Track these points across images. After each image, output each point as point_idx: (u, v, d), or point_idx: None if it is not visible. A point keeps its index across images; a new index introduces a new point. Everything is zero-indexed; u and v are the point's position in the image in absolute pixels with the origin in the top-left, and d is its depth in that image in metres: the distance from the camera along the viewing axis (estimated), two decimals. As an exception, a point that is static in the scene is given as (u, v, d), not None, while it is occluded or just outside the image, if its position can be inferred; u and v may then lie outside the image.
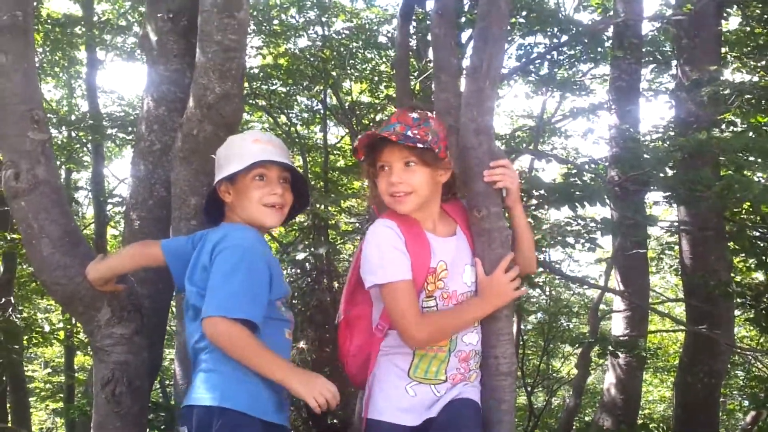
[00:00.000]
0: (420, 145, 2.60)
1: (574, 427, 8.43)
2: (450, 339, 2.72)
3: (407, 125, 2.66)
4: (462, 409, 2.70)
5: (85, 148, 10.78)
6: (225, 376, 2.57)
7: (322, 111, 9.79)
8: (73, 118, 9.99)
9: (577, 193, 4.53)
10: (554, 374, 13.70)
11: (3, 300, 9.65)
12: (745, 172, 5.22)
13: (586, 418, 11.81)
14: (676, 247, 9.00)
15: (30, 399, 12.51)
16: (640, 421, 7.88)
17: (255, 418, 2.56)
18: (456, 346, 2.74)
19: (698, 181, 4.69)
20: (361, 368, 2.86)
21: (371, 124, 9.28)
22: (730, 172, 5.56)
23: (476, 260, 2.78)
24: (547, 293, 12.30)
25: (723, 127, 6.10)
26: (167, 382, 10.22)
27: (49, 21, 10.27)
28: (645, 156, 5.15)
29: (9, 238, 9.01)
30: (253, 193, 2.79)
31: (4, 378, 10.61)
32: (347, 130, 9.87)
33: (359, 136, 2.79)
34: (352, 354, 2.89)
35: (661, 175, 5.01)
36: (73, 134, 10.19)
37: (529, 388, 11.27)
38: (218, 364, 2.61)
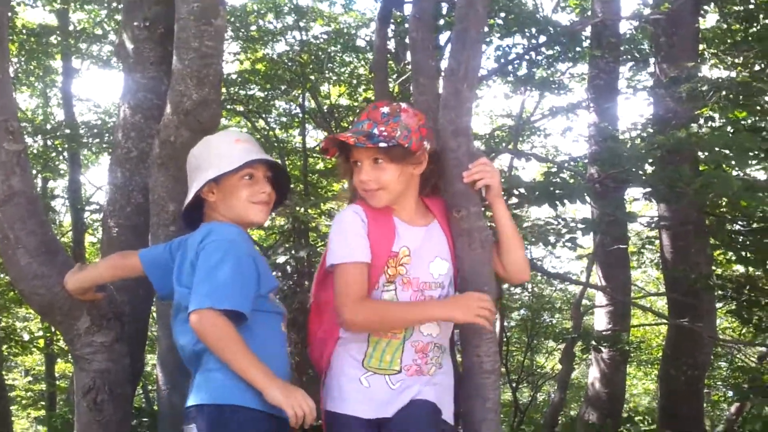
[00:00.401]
0: (383, 144, 2.61)
1: (559, 422, 8.46)
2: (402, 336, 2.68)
3: (375, 122, 2.67)
4: (415, 410, 2.65)
5: (61, 157, 10.72)
6: (232, 373, 2.53)
7: (300, 115, 9.79)
8: (48, 126, 9.96)
9: (558, 191, 4.55)
10: (538, 370, 13.77)
11: (-19, 310, 9.59)
12: (724, 168, 5.24)
13: (572, 413, 11.88)
14: (657, 242, 9.04)
15: (11, 407, 12.40)
16: (625, 415, 7.90)
17: (265, 413, 2.54)
18: (411, 334, 2.69)
19: (677, 178, 4.71)
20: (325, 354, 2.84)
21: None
22: (708, 167, 5.59)
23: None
24: (530, 290, 12.33)
25: (701, 122, 6.13)
26: (149, 387, 10.18)
27: (24, 31, 10.21)
28: (624, 153, 5.17)
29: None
30: (241, 192, 2.78)
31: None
32: (326, 133, 9.85)
33: (323, 138, 2.82)
34: (319, 338, 2.85)
35: (641, 172, 5.03)
36: (49, 143, 10.15)
37: (513, 384, 11.31)
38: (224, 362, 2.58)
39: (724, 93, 5.77)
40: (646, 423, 7.48)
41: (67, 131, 9.39)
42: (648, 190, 5.18)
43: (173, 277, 2.75)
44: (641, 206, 11.37)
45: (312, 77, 8.92)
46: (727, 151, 4.91)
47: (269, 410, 2.53)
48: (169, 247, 2.92)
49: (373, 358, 2.69)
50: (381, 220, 2.71)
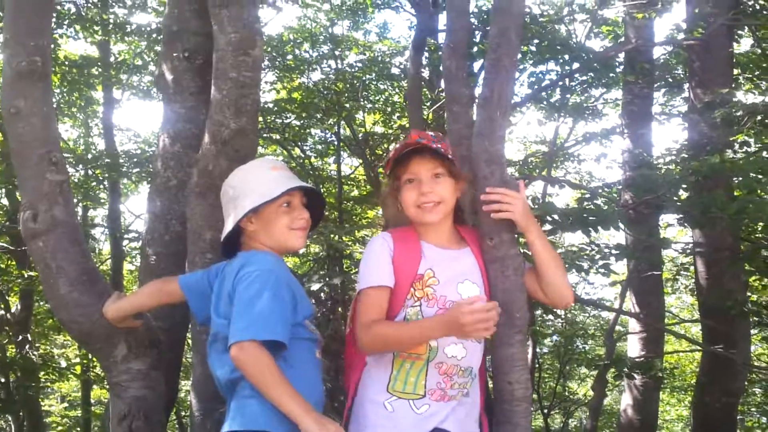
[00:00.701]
0: (449, 156, 2.72)
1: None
2: (429, 348, 2.68)
3: (430, 140, 2.74)
4: None
5: (101, 186, 10.87)
6: (266, 401, 2.54)
7: (336, 142, 9.86)
8: (89, 156, 10.09)
9: (591, 217, 4.55)
10: (571, 396, 13.62)
11: (20, 337, 9.71)
12: (759, 193, 5.21)
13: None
14: (692, 268, 8.96)
15: (48, 433, 12.54)
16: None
17: None
18: (435, 356, 2.70)
19: (712, 203, 4.69)
20: (353, 379, 2.87)
21: (384, 154, 9.33)
22: (743, 193, 5.55)
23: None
24: (563, 316, 12.24)
25: (736, 148, 6.10)
26: (183, 413, 10.24)
27: (66, 62, 10.39)
28: (658, 179, 5.15)
29: (26, 276, 9.08)
30: (281, 220, 2.81)
31: (21, 414, 10.64)
32: (361, 161, 9.93)
33: (394, 147, 2.87)
34: (352, 368, 2.90)
35: (675, 198, 5.01)
36: (90, 172, 10.30)
37: (545, 411, 11.20)
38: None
39: (759, 118, 5.74)
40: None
41: (108, 161, 9.52)
42: (682, 215, 5.15)
43: (211, 306, 2.78)
44: (675, 232, 11.29)
45: (347, 105, 9.00)
46: (762, 177, 4.88)
47: None
48: (207, 274, 2.96)
49: (398, 381, 2.71)
50: (408, 245, 2.77)
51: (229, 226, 2.86)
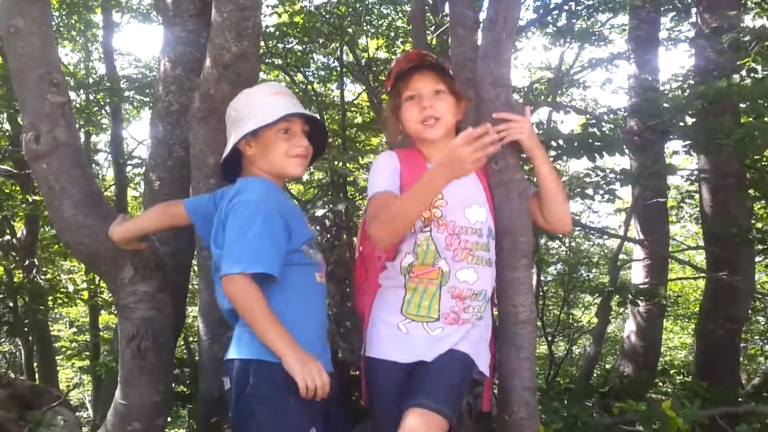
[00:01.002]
0: (451, 72, 2.74)
1: (594, 375, 8.48)
2: (441, 273, 2.71)
3: (432, 58, 2.77)
4: (451, 358, 2.69)
5: (103, 111, 10.80)
6: None
7: (338, 68, 9.75)
8: (90, 81, 10.00)
9: (596, 143, 4.52)
10: (574, 324, 13.76)
11: (27, 262, 9.79)
12: (766, 119, 5.15)
13: (607, 366, 11.87)
14: (696, 196, 8.95)
15: (56, 358, 12.71)
16: (660, 368, 7.90)
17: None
18: (447, 281, 2.72)
19: (718, 129, 4.65)
20: (366, 302, 2.90)
21: (388, 79, 9.25)
22: (750, 119, 5.50)
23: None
24: (567, 244, 12.29)
25: (743, 73, 6.02)
26: (190, 339, 10.38)
27: (65, -16, 10.24)
28: (665, 105, 5.10)
29: (31, 200, 9.11)
30: (279, 146, 2.78)
31: (30, 338, 10.79)
32: (364, 87, 9.83)
33: (395, 60, 2.85)
34: (362, 288, 2.94)
35: (681, 124, 4.96)
36: (91, 97, 10.22)
37: (549, 338, 11.33)
38: None
39: (767, 43, 5.65)
40: (682, 376, 7.48)
41: (109, 85, 9.46)
42: (688, 142, 5.11)
43: (211, 235, 2.78)
44: (681, 160, 11.24)
45: (350, 30, 8.87)
46: (769, 102, 4.83)
47: None
48: (213, 197, 2.96)
49: (411, 304, 2.74)
50: (414, 164, 2.79)
51: (227, 149, 2.85)
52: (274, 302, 2.56)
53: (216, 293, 2.85)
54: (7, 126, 10.44)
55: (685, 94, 6.10)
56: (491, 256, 2.81)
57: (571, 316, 13.63)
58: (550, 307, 12.74)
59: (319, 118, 3.00)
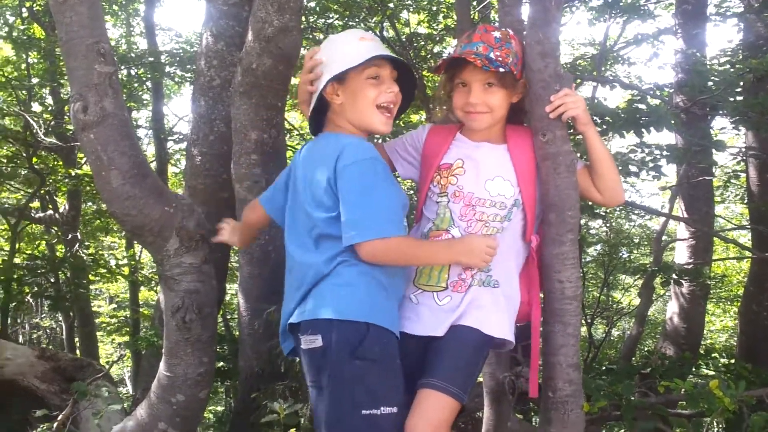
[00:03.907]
0: (502, 69, 2.66)
1: (634, 357, 8.41)
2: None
3: (490, 46, 2.70)
4: (463, 335, 2.68)
5: (144, 86, 10.86)
6: (364, 290, 2.57)
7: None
8: (132, 56, 10.05)
9: (643, 118, 4.44)
10: (614, 306, 13.63)
11: (69, 236, 9.91)
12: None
13: (646, 349, 11.76)
14: (742, 176, 8.78)
15: (97, 333, 12.89)
16: (702, 351, 7.79)
17: (394, 334, 2.59)
18: None
19: (769, 104, 4.55)
20: None
21: (429, 56, 9.16)
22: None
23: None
24: (608, 225, 12.15)
25: (795, 48, 5.89)
26: (228, 316, 10.45)
27: (108, -41, 10.28)
28: (714, 79, 4.99)
29: (73, 174, 9.20)
30: (368, 92, 2.66)
31: (72, 313, 10.95)
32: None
33: (444, 57, 2.82)
34: None
35: (731, 99, 4.85)
36: (132, 72, 10.28)
37: (589, 320, 11.24)
38: (358, 278, 2.58)
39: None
40: (725, 359, 7.36)
41: (150, 60, 9.49)
42: (737, 117, 5.00)
43: (301, 199, 2.68)
44: (726, 138, 11.03)
45: (390, 4, 8.80)
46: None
47: (395, 330, 2.60)
48: (284, 175, 2.89)
49: (422, 274, 2.77)
50: (444, 133, 2.84)
51: (314, 98, 2.71)
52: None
53: (304, 251, 2.67)
54: (50, 100, 10.53)
55: (734, 69, 5.97)
56: (511, 226, 2.79)
57: (610, 298, 13.50)
58: (590, 289, 12.62)
59: (406, 62, 2.86)
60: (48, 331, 14.44)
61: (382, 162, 2.63)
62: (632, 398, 3.62)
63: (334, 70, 2.64)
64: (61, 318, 12.11)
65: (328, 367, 2.50)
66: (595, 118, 4.69)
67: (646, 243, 12.68)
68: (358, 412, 2.45)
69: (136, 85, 10.43)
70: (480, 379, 3.71)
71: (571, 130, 2.89)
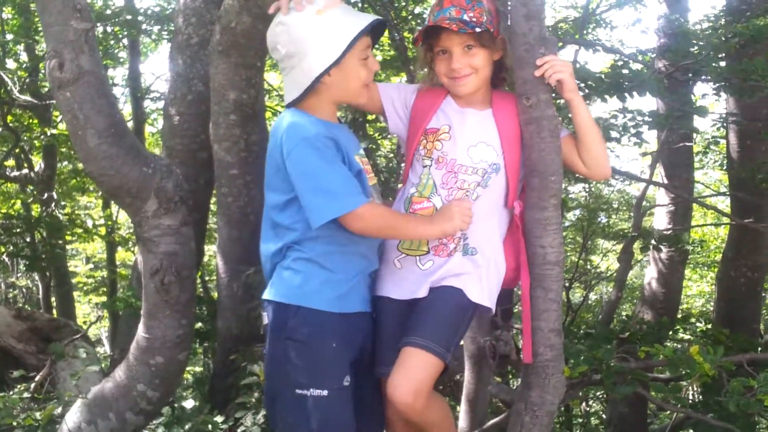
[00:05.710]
0: (478, 29, 2.63)
1: (614, 320, 8.46)
2: (435, 209, 2.73)
3: (462, 8, 2.67)
4: (445, 294, 2.71)
5: (120, 44, 10.67)
6: (303, 274, 2.57)
7: (359, 3, 9.58)
8: (108, 12, 9.86)
9: (627, 83, 4.41)
10: (592, 270, 13.72)
11: (45, 196, 9.80)
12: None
13: (623, 314, 11.86)
14: (722, 142, 8.80)
15: (74, 293, 12.84)
16: (680, 315, 7.86)
17: (334, 313, 2.58)
18: None
19: (752, 70, 4.53)
20: None
21: (410, 16, 9.07)
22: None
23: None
24: (587, 189, 12.18)
25: (779, 14, 5.85)
26: (206, 277, 10.41)
27: None
28: (699, 44, 4.97)
29: (48, 133, 9.07)
30: (360, 74, 2.62)
31: (48, 273, 10.88)
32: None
33: (419, 30, 2.79)
34: None
35: (714, 64, 4.83)
36: (109, 29, 10.09)
37: (567, 285, 11.30)
38: (297, 263, 2.60)
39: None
40: (702, 323, 7.43)
41: (127, 17, 9.32)
42: (720, 84, 4.98)
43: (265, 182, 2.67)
44: (707, 104, 11.04)
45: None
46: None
47: (336, 309, 2.58)
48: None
49: (406, 239, 2.76)
50: (432, 96, 2.83)
51: (307, 83, 2.55)
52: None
53: (266, 243, 2.69)
54: (24, 57, 10.35)
55: (717, 34, 5.94)
56: (489, 192, 2.78)
57: (588, 263, 13.58)
58: (568, 254, 12.69)
59: (382, 18, 2.75)
60: (24, 290, 14.35)
61: (323, 138, 2.52)
62: (612, 363, 3.63)
63: (326, 55, 2.51)
64: (37, 278, 12.03)
65: (268, 344, 2.60)
66: (577, 82, 4.65)
67: (625, 208, 12.72)
68: (292, 390, 2.52)
69: (112, 42, 10.25)
70: (461, 343, 3.72)
71: (555, 95, 2.86)
